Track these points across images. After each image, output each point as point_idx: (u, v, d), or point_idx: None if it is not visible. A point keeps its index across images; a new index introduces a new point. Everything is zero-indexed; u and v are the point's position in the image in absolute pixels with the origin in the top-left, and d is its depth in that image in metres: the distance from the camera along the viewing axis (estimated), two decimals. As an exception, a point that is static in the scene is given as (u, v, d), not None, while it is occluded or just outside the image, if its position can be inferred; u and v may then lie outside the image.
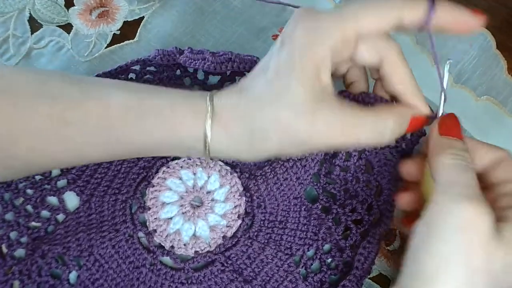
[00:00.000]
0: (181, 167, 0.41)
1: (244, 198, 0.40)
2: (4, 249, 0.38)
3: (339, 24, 0.31)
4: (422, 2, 0.31)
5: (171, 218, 0.40)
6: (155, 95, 0.33)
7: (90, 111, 0.32)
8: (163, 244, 0.39)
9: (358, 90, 0.36)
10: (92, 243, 0.38)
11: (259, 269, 0.38)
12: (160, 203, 0.40)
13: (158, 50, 0.42)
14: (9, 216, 0.39)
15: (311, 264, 0.38)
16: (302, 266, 0.38)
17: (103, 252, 0.38)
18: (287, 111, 0.30)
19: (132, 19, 0.49)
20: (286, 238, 0.39)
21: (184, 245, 0.39)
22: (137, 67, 0.43)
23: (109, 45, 0.48)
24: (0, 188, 0.40)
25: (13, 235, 0.39)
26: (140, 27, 0.49)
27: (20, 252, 0.38)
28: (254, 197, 0.40)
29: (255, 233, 0.39)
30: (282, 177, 0.39)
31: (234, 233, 0.39)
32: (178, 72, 0.43)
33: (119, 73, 0.43)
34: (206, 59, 0.41)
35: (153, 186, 0.40)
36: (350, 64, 0.36)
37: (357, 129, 0.31)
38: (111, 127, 0.33)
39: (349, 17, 0.31)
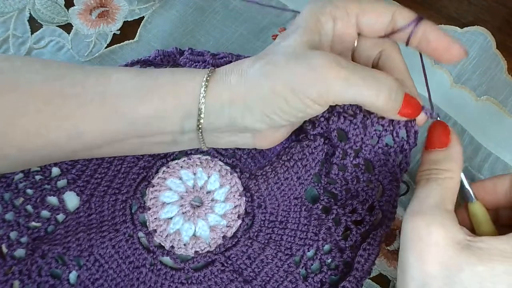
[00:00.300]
0: (181, 167, 0.41)
1: (244, 198, 0.40)
2: (4, 249, 0.38)
3: (344, 5, 0.33)
4: (411, 13, 0.34)
5: (171, 218, 0.40)
6: (155, 71, 0.35)
7: (90, 85, 0.33)
8: (163, 244, 0.39)
9: None
10: (92, 243, 0.38)
11: (259, 269, 0.38)
12: (160, 203, 0.40)
13: (158, 50, 0.43)
14: (9, 216, 0.39)
15: (311, 265, 0.38)
16: (302, 267, 0.38)
17: (103, 252, 0.38)
18: (282, 55, 0.32)
19: (132, 19, 0.49)
20: (286, 239, 0.39)
21: (184, 245, 0.39)
22: (137, 67, 0.43)
23: (109, 45, 0.48)
24: (0, 188, 0.40)
25: (13, 235, 0.39)
26: (140, 27, 0.49)
27: (20, 252, 0.38)
28: (255, 197, 0.40)
29: (255, 233, 0.39)
30: (283, 177, 0.39)
31: (234, 233, 0.39)
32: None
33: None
34: (207, 62, 0.41)
35: (153, 186, 0.40)
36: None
37: (354, 75, 0.31)
38: (108, 99, 0.33)
39: (353, 1, 0.34)
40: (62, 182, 0.41)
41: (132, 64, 0.43)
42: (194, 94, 0.33)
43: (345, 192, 0.40)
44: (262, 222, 0.39)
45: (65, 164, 0.40)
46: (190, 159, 0.41)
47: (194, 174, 0.41)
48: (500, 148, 0.44)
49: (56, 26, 0.49)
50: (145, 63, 0.43)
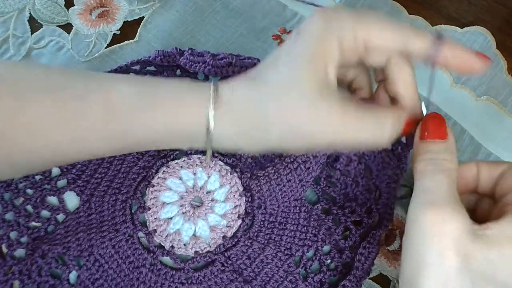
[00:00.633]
0: (181, 167, 0.41)
1: (244, 198, 0.40)
2: (4, 249, 0.38)
3: (353, 23, 0.31)
4: (429, 36, 0.32)
5: (171, 218, 0.40)
6: (158, 85, 0.34)
7: (93, 103, 0.33)
8: (163, 244, 0.39)
9: (363, 96, 0.37)
10: (92, 243, 0.38)
11: (259, 269, 0.38)
12: (160, 203, 0.40)
13: (158, 51, 0.43)
14: (9, 216, 0.39)
15: (311, 265, 0.38)
16: (302, 267, 0.38)
17: (103, 252, 0.38)
18: (291, 102, 0.31)
19: (132, 19, 0.49)
20: (286, 239, 0.39)
21: (184, 245, 0.39)
22: (137, 67, 0.43)
23: (109, 45, 0.48)
24: (0, 188, 0.40)
25: (13, 235, 0.39)
26: (140, 27, 0.49)
27: (20, 252, 0.38)
28: (255, 197, 0.40)
29: (255, 233, 0.39)
30: (286, 179, 0.39)
31: (234, 233, 0.39)
32: (178, 72, 0.43)
33: (119, 73, 0.43)
34: (207, 63, 0.41)
35: (153, 186, 0.40)
36: (357, 71, 0.37)
37: (357, 127, 0.31)
38: (114, 118, 0.33)
39: (363, 21, 0.31)
40: (62, 182, 0.41)
41: (132, 64, 0.43)
42: (202, 122, 0.32)
43: (343, 196, 0.40)
44: (262, 222, 0.39)
45: (65, 164, 0.41)
46: (190, 159, 0.41)
47: (194, 174, 0.41)
48: (500, 148, 0.44)
49: (56, 26, 0.49)
50: (145, 63, 0.43)
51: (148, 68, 0.43)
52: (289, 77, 0.31)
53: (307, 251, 0.39)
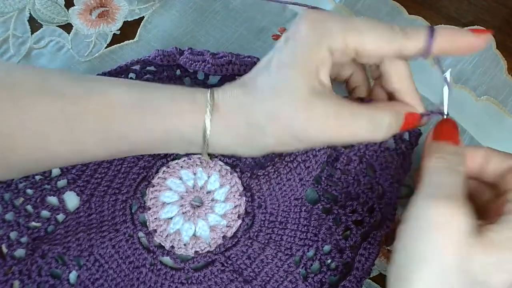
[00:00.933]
0: (181, 167, 0.41)
1: (244, 198, 0.40)
2: (4, 249, 0.38)
3: (343, 31, 0.31)
4: (421, 31, 0.32)
5: (171, 218, 0.40)
6: (156, 91, 0.34)
7: (91, 107, 0.33)
8: (163, 244, 0.39)
9: (360, 94, 0.37)
10: (92, 243, 0.38)
11: (259, 269, 0.38)
12: (160, 203, 0.40)
13: (158, 50, 0.42)
14: (9, 216, 0.39)
15: (311, 265, 0.38)
16: (302, 267, 0.38)
17: (103, 252, 0.38)
18: (284, 105, 0.31)
19: (132, 19, 0.49)
20: (286, 239, 0.39)
21: (184, 245, 0.39)
22: (137, 67, 0.43)
23: (109, 45, 0.48)
24: (0, 188, 0.40)
25: (13, 235, 0.39)
26: (140, 27, 0.49)
27: (20, 252, 0.38)
28: (255, 197, 0.40)
29: (255, 233, 0.39)
30: (286, 178, 0.39)
31: (234, 233, 0.39)
32: (178, 72, 0.43)
33: (119, 73, 0.43)
34: (207, 61, 0.41)
35: (153, 186, 0.40)
36: (353, 68, 0.37)
37: (353, 123, 0.31)
38: (111, 123, 0.33)
39: (353, 29, 0.31)
40: (62, 182, 0.41)
41: (132, 64, 0.43)
42: (198, 128, 0.33)
43: (344, 194, 0.40)
44: (262, 222, 0.39)
45: (65, 164, 0.41)
46: (190, 159, 0.41)
47: (194, 174, 0.41)
48: (500, 148, 0.43)
49: (56, 26, 0.49)
50: (145, 63, 0.43)
51: (148, 67, 0.43)
52: (281, 81, 0.31)
53: (308, 251, 0.39)
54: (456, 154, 0.32)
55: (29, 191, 0.40)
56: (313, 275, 0.38)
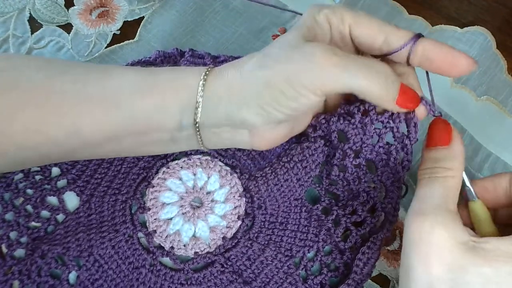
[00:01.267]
0: (181, 167, 0.41)
1: (244, 199, 0.40)
2: (4, 249, 0.38)
3: (340, 8, 0.34)
4: (411, 32, 0.33)
5: (171, 219, 0.40)
6: (156, 69, 0.35)
7: (90, 82, 0.34)
8: (162, 245, 0.39)
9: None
10: (92, 243, 0.38)
11: (259, 271, 0.38)
12: (160, 204, 0.40)
13: (159, 51, 0.43)
14: (9, 216, 0.39)
15: (311, 266, 0.38)
16: (302, 268, 0.38)
17: (103, 253, 0.38)
18: (276, 51, 0.33)
19: (132, 19, 0.49)
20: (286, 240, 0.39)
21: (184, 246, 0.39)
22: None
23: (109, 45, 0.48)
24: (0, 188, 0.40)
25: (13, 235, 0.39)
26: (140, 27, 0.49)
27: (20, 252, 0.38)
28: (255, 198, 0.40)
29: (255, 234, 0.39)
30: (283, 178, 0.39)
31: (234, 234, 0.39)
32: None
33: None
34: (207, 64, 0.41)
35: (153, 186, 0.40)
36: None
37: (349, 63, 0.31)
38: (109, 95, 0.33)
39: (351, 12, 0.34)
40: (62, 182, 0.41)
41: (133, 64, 0.43)
42: (193, 88, 0.33)
43: (347, 192, 0.39)
44: (262, 223, 0.39)
45: (65, 164, 0.40)
46: (190, 160, 0.41)
47: (194, 174, 0.41)
48: (500, 148, 0.44)
49: (56, 26, 0.49)
50: (145, 63, 0.43)
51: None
52: (281, 41, 0.33)
53: (308, 252, 0.38)
54: (442, 158, 0.32)
55: (29, 191, 0.40)
56: (313, 277, 0.38)
